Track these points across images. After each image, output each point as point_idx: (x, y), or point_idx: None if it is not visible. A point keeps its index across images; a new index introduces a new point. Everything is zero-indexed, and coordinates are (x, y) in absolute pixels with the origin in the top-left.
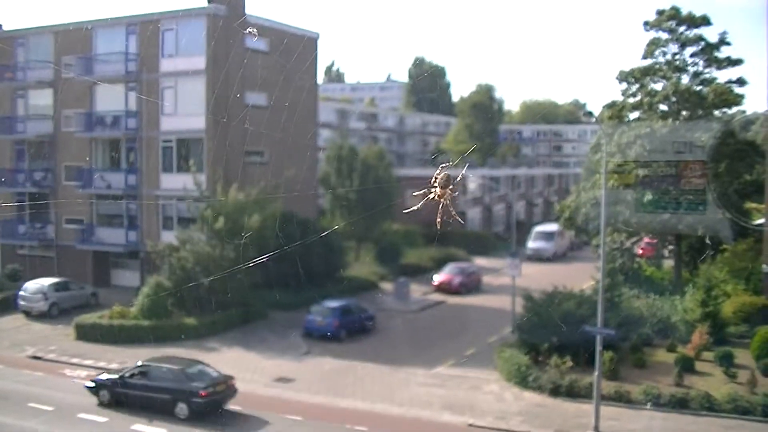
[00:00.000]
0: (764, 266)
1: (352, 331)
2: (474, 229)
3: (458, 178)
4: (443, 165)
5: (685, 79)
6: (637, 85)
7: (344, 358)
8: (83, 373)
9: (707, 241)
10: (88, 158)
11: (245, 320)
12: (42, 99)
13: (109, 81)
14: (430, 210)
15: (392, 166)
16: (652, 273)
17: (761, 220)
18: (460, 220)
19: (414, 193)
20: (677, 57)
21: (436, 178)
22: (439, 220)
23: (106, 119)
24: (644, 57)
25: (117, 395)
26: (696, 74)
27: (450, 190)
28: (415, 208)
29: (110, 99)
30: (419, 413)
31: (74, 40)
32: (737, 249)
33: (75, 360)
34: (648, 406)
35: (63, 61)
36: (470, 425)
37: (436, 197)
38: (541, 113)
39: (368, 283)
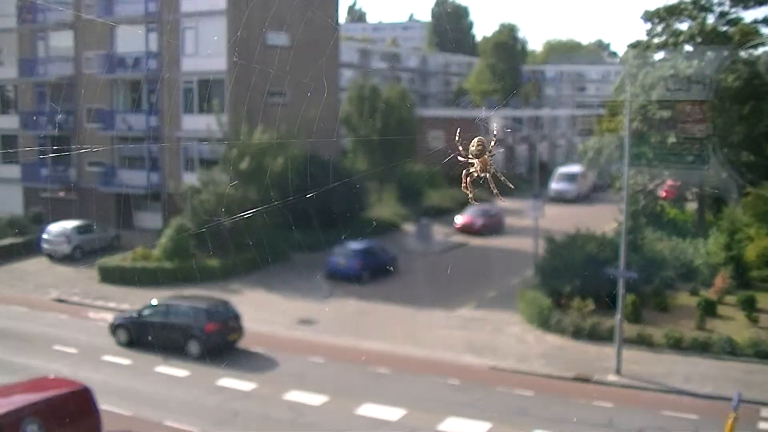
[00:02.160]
0: None
1: (374, 273)
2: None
3: (492, 140)
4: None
5: (710, 19)
6: (663, 25)
7: (367, 299)
8: (108, 315)
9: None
10: (108, 100)
11: (267, 262)
12: (62, 41)
13: (129, 22)
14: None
15: (415, 107)
16: (675, 215)
17: None
18: (510, 184)
19: (459, 158)
20: None
21: (467, 149)
22: (496, 192)
23: (126, 60)
24: None
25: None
26: (722, 14)
27: (489, 154)
28: (469, 195)
29: (131, 40)
30: (441, 355)
31: None
32: (762, 192)
33: (99, 302)
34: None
35: (83, 3)
36: (492, 368)
37: (478, 172)
38: (566, 54)
39: (390, 224)
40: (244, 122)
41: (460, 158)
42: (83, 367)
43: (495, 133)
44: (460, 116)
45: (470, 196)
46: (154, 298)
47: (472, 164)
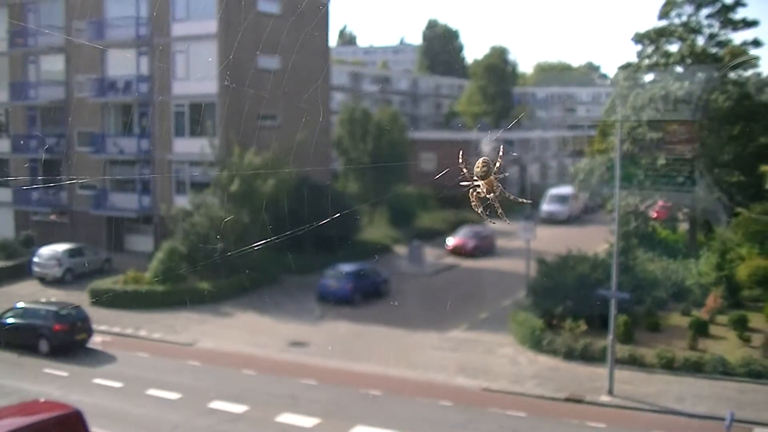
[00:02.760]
0: None
1: (366, 295)
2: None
3: (498, 161)
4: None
5: (700, 41)
6: (653, 47)
7: (358, 321)
8: (98, 338)
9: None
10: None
11: (259, 284)
12: (53, 64)
13: (120, 45)
14: (443, 173)
15: (406, 129)
16: (667, 236)
17: None
18: (522, 200)
19: (461, 183)
20: (693, 18)
21: (472, 171)
22: (500, 212)
23: (118, 84)
24: (660, 18)
25: None
26: (711, 36)
27: (494, 176)
28: (479, 212)
29: (122, 64)
30: (433, 377)
31: (85, 4)
32: (753, 212)
33: None
34: None
35: (74, 26)
36: (484, 389)
37: (484, 193)
38: (556, 76)
39: (382, 246)
40: (235, 145)
41: (463, 183)
42: (74, 389)
43: (501, 153)
44: (452, 138)
45: (481, 212)
46: (20, 302)
47: (478, 186)
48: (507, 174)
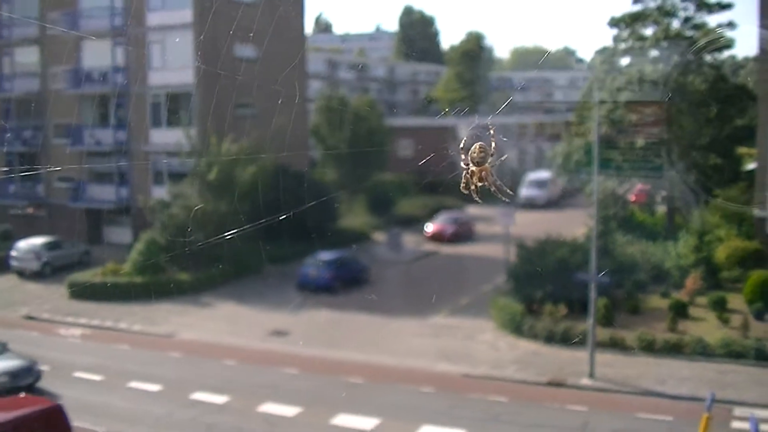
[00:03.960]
0: (756, 211)
1: (346, 283)
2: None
3: (492, 146)
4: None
5: (675, 24)
6: (628, 31)
7: (339, 310)
8: (77, 331)
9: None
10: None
11: (239, 274)
12: (28, 56)
13: (95, 36)
14: (425, 160)
15: (383, 116)
16: (645, 219)
17: (753, 165)
18: (509, 191)
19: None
20: (667, 2)
21: (466, 154)
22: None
23: (93, 75)
24: (634, 2)
25: None
26: (686, 19)
27: (489, 164)
28: (477, 201)
29: (97, 55)
30: (414, 364)
31: None
32: (729, 194)
33: (69, 319)
34: None
35: (48, 17)
36: (466, 375)
37: (478, 180)
38: (533, 61)
39: (361, 233)
40: (212, 134)
41: (463, 165)
42: (55, 384)
43: (493, 141)
44: (430, 125)
45: (476, 198)
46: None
47: (470, 169)
48: (504, 158)
